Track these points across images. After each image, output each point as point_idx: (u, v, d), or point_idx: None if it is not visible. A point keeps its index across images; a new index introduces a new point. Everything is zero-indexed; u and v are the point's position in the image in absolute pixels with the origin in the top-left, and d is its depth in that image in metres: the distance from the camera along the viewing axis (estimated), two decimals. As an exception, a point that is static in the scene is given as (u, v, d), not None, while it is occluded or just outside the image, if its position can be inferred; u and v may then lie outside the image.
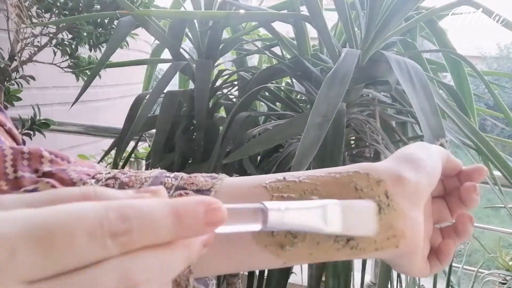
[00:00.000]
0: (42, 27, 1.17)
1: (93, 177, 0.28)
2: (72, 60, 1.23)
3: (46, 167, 0.28)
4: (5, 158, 0.26)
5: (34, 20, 1.15)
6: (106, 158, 1.04)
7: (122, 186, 0.27)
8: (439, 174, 0.30)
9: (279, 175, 0.28)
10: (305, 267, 0.80)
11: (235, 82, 1.01)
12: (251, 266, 0.28)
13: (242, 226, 0.20)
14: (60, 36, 1.19)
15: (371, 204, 0.26)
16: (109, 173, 0.29)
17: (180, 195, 0.26)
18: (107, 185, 0.27)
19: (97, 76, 0.90)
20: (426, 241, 0.31)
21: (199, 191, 0.27)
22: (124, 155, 0.96)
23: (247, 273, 0.86)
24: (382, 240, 0.26)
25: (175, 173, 0.29)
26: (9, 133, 0.32)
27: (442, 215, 0.33)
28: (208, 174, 0.29)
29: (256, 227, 0.20)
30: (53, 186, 0.26)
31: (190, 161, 0.91)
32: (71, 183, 0.27)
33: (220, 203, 0.18)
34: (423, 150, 0.31)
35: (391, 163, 0.29)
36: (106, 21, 1.16)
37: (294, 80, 0.89)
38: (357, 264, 0.89)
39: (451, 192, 0.33)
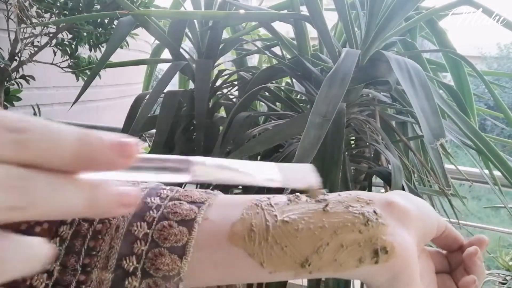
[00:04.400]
0: (42, 27, 1.17)
1: None
2: (72, 60, 1.23)
3: None
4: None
5: (34, 20, 1.15)
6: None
7: None
8: (429, 217, 0.30)
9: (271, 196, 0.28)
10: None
11: (235, 82, 1.01)
12: (238, 276, 0.27)
13: (169, 175, 0.20)
14: (60, 36, 1.19)
15: (308, 165, 0.26)
16: None
17: (174, 205, 0.26)
18: None
19: (97, 76, 0.90)
20: None
21: (193, 203, 0.27)
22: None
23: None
24: (369, 253, 0.26)
25: (173, 186, 0.29)
26: None
27: (447, 286, 0.33)
28: (203, 190, 0.29)
29: (184, 177, 0.20)
30: None
31: (190, 161, 0.91)
32: None
33: (133, 139, 0.17)
34: (414, 198, 0.31)
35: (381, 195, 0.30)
36: (106, 21, 1.16)
37: (294, 80, 0.89)
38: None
39: (456, 268, 0.33)
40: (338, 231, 0.25)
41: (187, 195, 0.27)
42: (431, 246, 0.35)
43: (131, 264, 0.24)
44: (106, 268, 0.24)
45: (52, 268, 0.24)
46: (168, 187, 0.29)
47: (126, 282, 0.24)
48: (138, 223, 0.25)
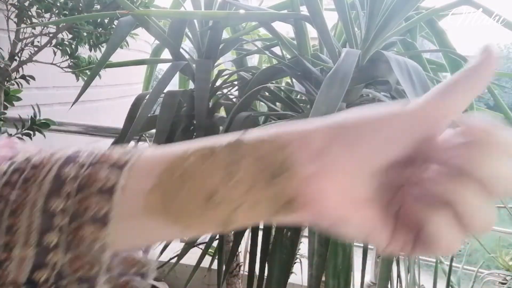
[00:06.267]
0: (42, 27, 1.17)
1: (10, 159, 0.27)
2: (72, 60, 1.23)
3: None
4: None
5: (34, 20, 1.15)
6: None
7: (34, 167, 0.26)
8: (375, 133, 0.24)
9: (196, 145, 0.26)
10: (305, 267, 0.80)
11: (235, 82, 1.01)
12: (160, 238, 0.27)
13: None
14: (60, 36, 1.19)
15: None
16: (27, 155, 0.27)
17: (92, 172, 0.25)
18: (16, 170, 0.26)
19: (97, 76, 0.90)
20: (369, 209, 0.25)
21: (112, 167, 0.25)
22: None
23: (247, 273, 0.86)
24: (279, 207, 0.24)
25: (93, 149, 0.27)
26: None
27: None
28: (124, 150, 0.27)
29: None
30: None
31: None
32: None
33: None
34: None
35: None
36: (106, 21, 1.16)
37: (294, 80, 0.89)
38: (357, 264, 0.89)
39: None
40: (251, 190, 0.24)
41: (106, 159, 0.26)
42: None
43: (53, 238, 0.24)
44: (28, 244, 0.24)
45: None
46: (87, 150, 0.27)
47: (49, 257, 0.24)
48: (56, 197, 0.25)
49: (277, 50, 0.95)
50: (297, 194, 0.24)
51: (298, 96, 0.96)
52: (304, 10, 0.80)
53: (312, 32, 0.84)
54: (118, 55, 0.90)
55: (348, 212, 0.25)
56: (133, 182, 0.25)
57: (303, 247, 1.01)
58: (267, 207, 0.25)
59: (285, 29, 1.05)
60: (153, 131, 0.91)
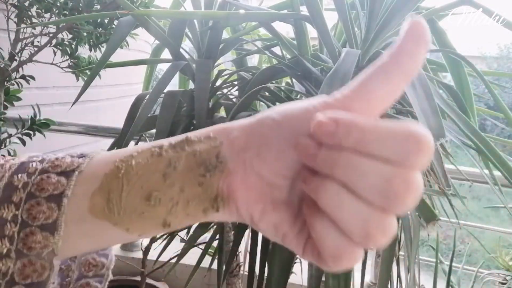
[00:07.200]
0: (42, 27, 1.17)
1: None
2: (72, 60, 1.23)
3: None
4: None
5: (34, 20, 1.15)
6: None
7: None
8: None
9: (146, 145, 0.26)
10: (305, 267, 0.80)
11: (235, 82, 1.01)
12: (109, 242, 0.27)
13: None
14: (60, 36, 1.19)
15: None
16: None
17: (42, 180, 0.26)
18: None
19: (97, 76, 0.90)
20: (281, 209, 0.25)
21: (62, 173, 0.26)
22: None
23: (247, 273, 0.86)
24: (208, 204, 0.25)
25: (47, 155, 0.28)
26: None
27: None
28: (81, 152, 0.28)
29: None
30: None
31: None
32: None
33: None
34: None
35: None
36: (106, 21, 1.16)
37: (294, 80, 0.89)
38: (357, 264, 0.89)
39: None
40: (184, 188, 0.25)
41: (57, 165, 0.26)
42: None
43: (4, 246, 0.24)
44: None
45: None
46: (40, 158, 0.28)
47: (0, 265, 0.24)
48: (6, 205, 0.25)
49: (277, 50, 0.95)
50: (221, 190, 0.25)
51: (298, 96, 0.96)
52: (304, 10, 0.80)
53: (312, 32, 0.84)
54: (118, 55, 0.90)
55: (259, 211, 0.25)
56: (80, 186, 0.26)
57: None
58: (197, 204, 0.25)
59: (285, 29, 1.05)
60: (153, 131, 0.91)
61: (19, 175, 0.26)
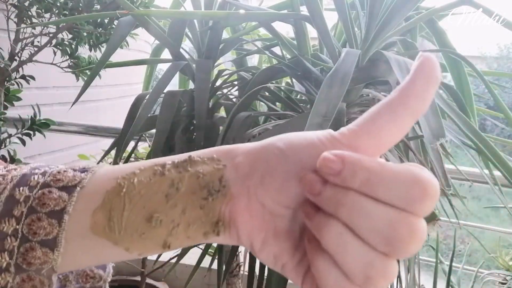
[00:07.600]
0: (42, 27, 1.17)
1: None
2: (72, 60, 1.23)
3: None
4: None
5: (34, 20, 1.15)
6: (106, 158, 1.04)
7: None
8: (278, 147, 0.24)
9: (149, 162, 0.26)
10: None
11: (235, 82, 1.01)
12: (109, 259, 0.27)
13: None
14: (60, 36, 1.19)
15: None
16: None
17: (43, 194, 0.25)
18: None
19: (97, 76, 0.90)
20: (281, 240, 0.25)
21: (64, 188, 0.26)
22: (124, 155, 0.96)
23: (247, 273, 0.86)
24: (209, 227, 0.25)
25: (48, 167, 0.28)
26: None
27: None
28: (83, 166, 0.27)
29: None
30: None
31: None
32: None
33: None
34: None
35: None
36: (106, 21, 1.16)
37: (294, 80, 0.89)
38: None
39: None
40: (185, 210, 0.25)
41: (59, 179, 0.26)
42: None
43: (3, 260, 0.24)
44: None
45: None
46: (42, 170, 0.27)
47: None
48: (7, 219, 0.25)
49: (277, 50, 0.95)
50: (223, 215, 0.25)
51: (298, 96, 0.96)
52: (304, 10, 0.80)
53: (312, 32, 0.84)
54: (118, 55, 0.90)
55: (260, 240, 0.25)
56: (81, 202, 0.26)
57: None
58: (198, 227, 0.25)
59: (285, 29, 1.05)
60: (153, 131, 0.91)
61: (21, 188, 0.26)
